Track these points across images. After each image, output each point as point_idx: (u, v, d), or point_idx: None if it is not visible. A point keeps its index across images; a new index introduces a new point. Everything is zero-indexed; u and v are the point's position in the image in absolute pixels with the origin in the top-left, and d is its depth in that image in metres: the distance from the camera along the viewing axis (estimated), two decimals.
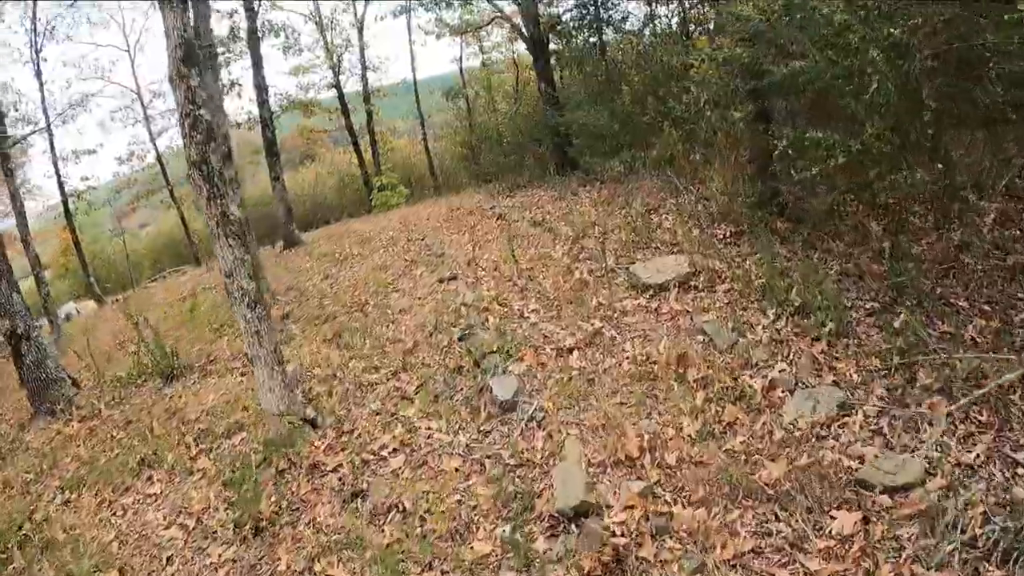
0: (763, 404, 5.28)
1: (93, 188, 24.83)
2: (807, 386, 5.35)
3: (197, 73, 6.16)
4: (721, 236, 8.63)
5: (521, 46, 22.29)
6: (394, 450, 6.07)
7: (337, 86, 25.39)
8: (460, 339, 7.62)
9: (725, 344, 6.08)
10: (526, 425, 5.79)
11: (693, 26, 14.75)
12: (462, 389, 6.70)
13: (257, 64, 18.02)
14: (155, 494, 6.47)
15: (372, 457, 6.09)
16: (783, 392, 5.33)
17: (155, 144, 27.16)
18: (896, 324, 5.58)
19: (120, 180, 27.53)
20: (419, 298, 9.54)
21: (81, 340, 16.62)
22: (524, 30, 15.92)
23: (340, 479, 5.91)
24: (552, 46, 16.42)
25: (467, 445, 5.82)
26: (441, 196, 22.48)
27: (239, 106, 26.86)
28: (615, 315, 7.32)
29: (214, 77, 12.68)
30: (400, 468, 5.81)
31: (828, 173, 6.12)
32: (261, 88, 18.06)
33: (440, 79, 27.80)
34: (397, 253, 12.74)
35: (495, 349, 7.03)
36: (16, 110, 22.77)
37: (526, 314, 7.92)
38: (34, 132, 22.83)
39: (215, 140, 6.28)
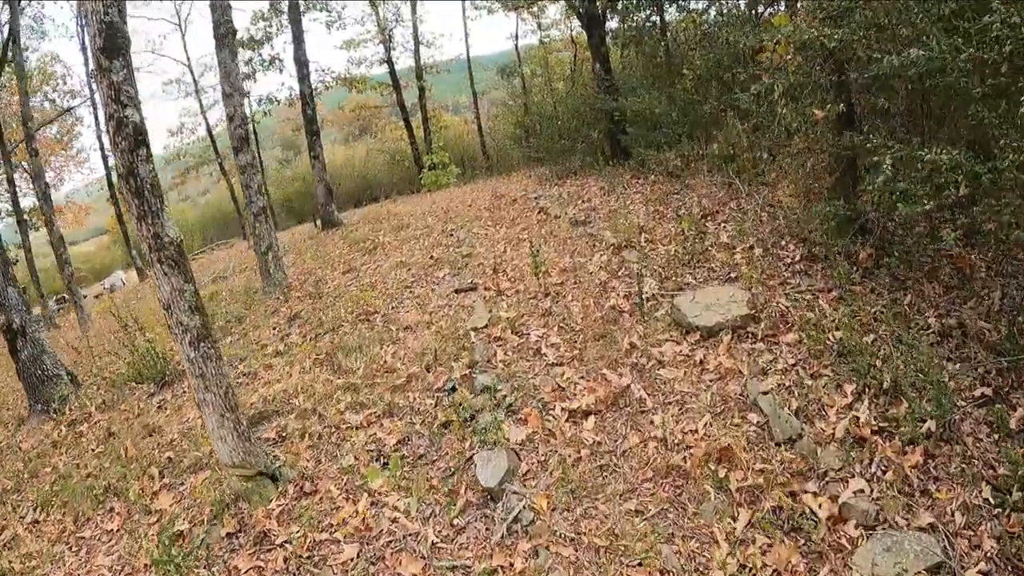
0: (826, 544, 3.72)
1: None
2: (892, 526, 3.72)
3: (123, 65, 4.79)
4: (789, 260, 6.97)
5: (578, 23, 20.73)
6: (351, 533, 4.73)
7: (388, 61, 24.04)
8: (450, 391, 6.16)
9: (785, 435, 4.47)
10: (508, 529, 4.33)
11: (763, 7, 12.86)
12: (446, 454, 5.29)
13: (298, 39, 16.78)
14: (112, 531, 5.81)
15: (326, 538, 4.80)
16: (857, 529, 3.73)
17: (205, 117, 26.33)
18: (1012, 423, 3.95)
19: (170, 152, 26.75)
20: (429, 312, 8.15)
21: (100, 325, 15.90)
22: (578, 4, 14.22)
23: (286, 560, 4.67)
24: (610, 24, 14.71)
25: (433, 543, 4.42)
26: (492, 177, 21.11)
27: (280, 81, 25.50)
28: (649, 365, 5.79)
29: (231, 56, 11.40)
30: (352, 562, 4.48)
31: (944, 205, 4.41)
32: (301, 63, 16.83)
33: (495, 58, 26.27)
34: (426, 248, 11.36)
35: (495, 402, 5.61)
36: (64, 83, 22.25)
37: (543, 349, 6.44)
38: (73, 108, 22.12)
39: (146, 146, 4.89)
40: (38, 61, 21.98)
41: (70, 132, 24.92)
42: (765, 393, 4.90)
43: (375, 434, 5.85)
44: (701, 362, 5.63)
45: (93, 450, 7.37)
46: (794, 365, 5.27)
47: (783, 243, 7.40)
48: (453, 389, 6.12)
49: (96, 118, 22.89)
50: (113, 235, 33.59)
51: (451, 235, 11.75)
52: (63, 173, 26.97)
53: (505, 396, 5.67)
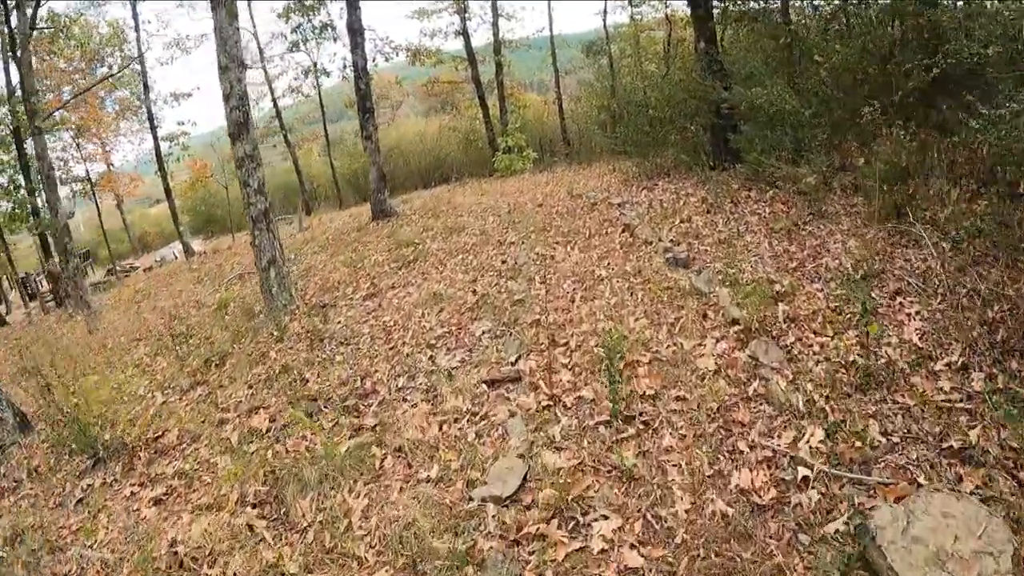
0: None
1: (186, 133, 22.05)
2: None
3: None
4: None
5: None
6: None
7: (464, 33, 21.17)
8: None
9: None
10: None
11: None
12: None
13: (352, 3, 14.09)
14: None
15: None
16: None
17: (271, 87, 24.03)
18: None
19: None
20: (440, 421, 5.32)
21: (113, 318, 13.73)
22: None
23: None
24: None
25: None
26: (572, 165, 18.20)
27: (332, 52, 23.07)
28: None
29: (229, 18, 8.79)
30: None
31: None
32: (355, 31, 14.18)
33: (582, 35, 23.17)
34: (473, 270, 8.65)
35: None
36: (122, 51, 20.26)
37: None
38: (116, 74, 20.00)
39: None
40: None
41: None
42: None
43: None
44: None
45: None
46: None
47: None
48: None
49: (145, 86, 20.79)
50: (187, 197, 32.00)
51: (507, 253, 9.01)
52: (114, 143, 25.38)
53: None
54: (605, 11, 21.38)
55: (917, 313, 5.19)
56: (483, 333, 6.50)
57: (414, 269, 9.43)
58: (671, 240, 7.86)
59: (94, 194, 25.80)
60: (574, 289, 6.97)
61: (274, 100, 24.09)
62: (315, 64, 23.60)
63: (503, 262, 8.59)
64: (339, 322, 8.15)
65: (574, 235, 9.10)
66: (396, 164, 24.99)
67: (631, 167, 12.97)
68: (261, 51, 23.89)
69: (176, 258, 20.74)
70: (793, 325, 5.43)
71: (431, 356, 6.40)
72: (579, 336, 5.94)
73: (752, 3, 11.63)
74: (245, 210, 9.04)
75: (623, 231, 8.67)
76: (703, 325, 5.66)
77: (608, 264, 7.50)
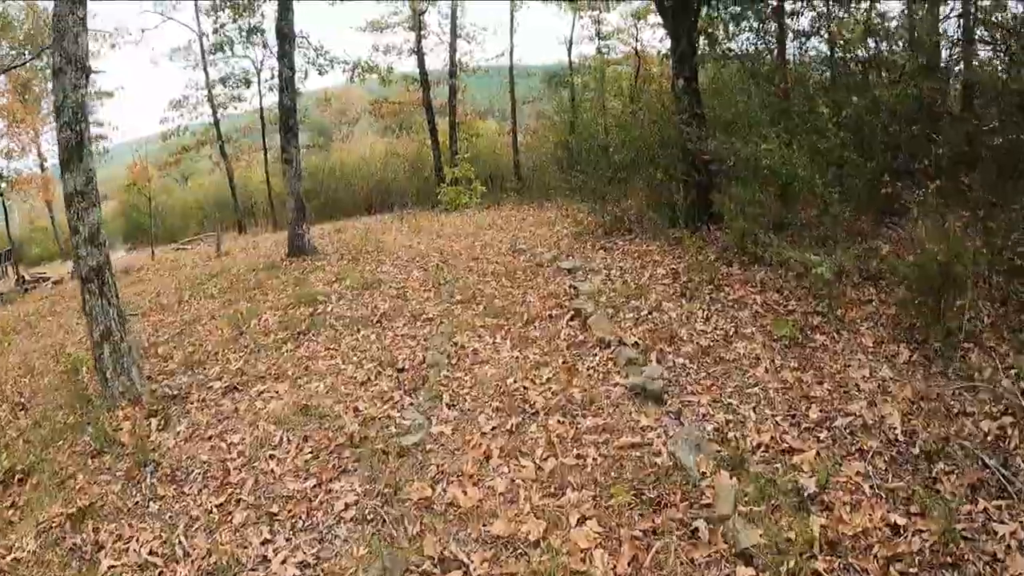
0: None
1: (103, 137, 19.19)
2: None
3: None
4: None
5: (647, 33, 15.36)
6: None
7: (418, 51, 18.76)
8: None
9: None
10: None
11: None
12: None
13: (284, 4, 11.60)
14: None
15: None
16: None
17: (210, 92, 21.24)
18: None
19: (168, 128, 21.72)
20: None
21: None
22: None
23: None
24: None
25: None
26: (523, 204, 15.88)
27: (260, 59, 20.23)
28: None
29: (71, 5, 6.23)
30: None
31: None
32: (285, 36, 11.68)
33: (547, 68, 20.93)
34: (368, 364, 6.15)
35: None
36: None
37: None
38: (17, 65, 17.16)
39: None
40: None
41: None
42: None
43: None
44: None
45: None
46: None
47: None
48: None
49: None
50: (122, 203, 28.96)
51: (419, 337, 6.58)
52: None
53: None
54: (571, 41, 19.25)
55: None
56: (346, 509, 4.01)
57: (301, 347, 6.93)
58: (635, 342, 5.51)
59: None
60: (493, 431, 4.54)
61: (212, 106, 21.31)
62: (259, 72, 20.95)
63: (413, 350, 6.14)
64: (179, 433, 5.59)
65: (509, 315, 6.71)
66: (338, 187, 22.42)
67: (587, 217, 10.68)
68: (204, 53, 21.10)
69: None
70: (831, 548, 3.12)
71: (265, 541, 3.89)
72: (489, 545, 3.50)
73: (742, 36, 9.50)
74: (74, 264, 6.43)
75: (572, 317, 6.30)
76: (692, 558, 3.24)
77: (548, 382, 5.09)
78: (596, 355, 5.43)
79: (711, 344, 5.39)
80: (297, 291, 9.06)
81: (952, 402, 4.40)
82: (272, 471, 4.69)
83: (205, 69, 21.03)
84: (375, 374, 5.87)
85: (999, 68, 7.68)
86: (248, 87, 20.68)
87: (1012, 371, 4.72)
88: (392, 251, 11.14)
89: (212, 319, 8.72)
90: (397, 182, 21.89)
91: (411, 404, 5.17)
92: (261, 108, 21.44)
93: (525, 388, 5.03)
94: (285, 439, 5.08)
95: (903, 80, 6.67)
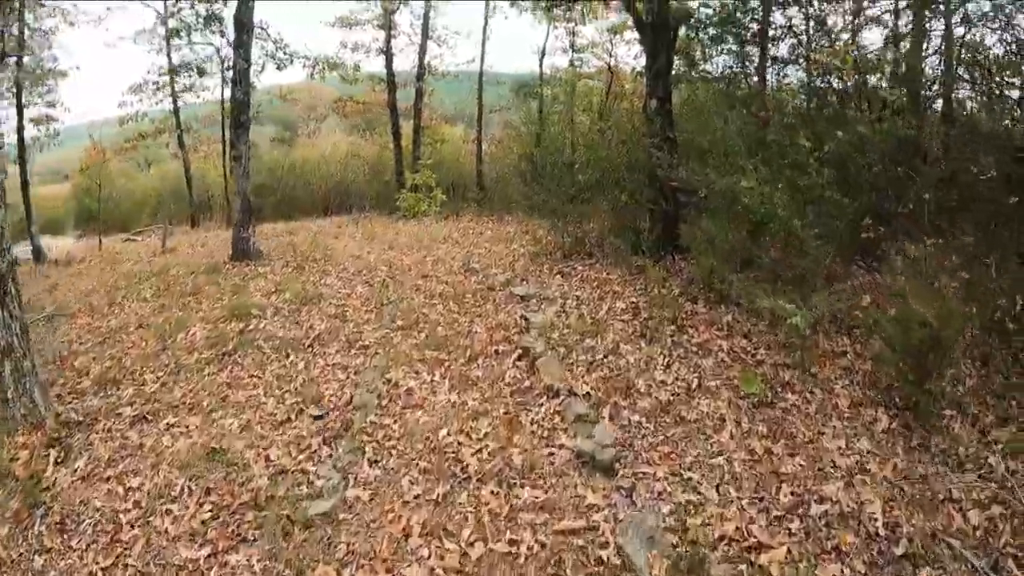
0: None
1: (53, 119, 17.95)
2: None
3: None
4: None
5: (622, 49, 14.75)
6: None
7: (387, 51, 17.95)
8: None
9: None
10: None
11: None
12: None
13: None
14: None
15: None
16: None
17: (172, 78, 20.13)
18: None
19: (127, 112, 20.46)
20: None
21: None
22: (642, 5, 8.23)
23: None
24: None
25: None
26: (482, 214, 15.17)
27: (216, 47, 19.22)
28: None
29: None
30: None
31: None
32: (243, 26, 10.83)
33: (518, 77, 20.21)
34: (289, 398, 5.46)
35: None
36: None
37: None
38: None
39: None
40: None
41: None
42: None
43: None
44: None
45: None
46: None
47: None
48: None
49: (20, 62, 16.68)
50: (75, 186, 27.60)
51: (351, 368, 5.90)
52: None
53: None
54: (543, 51, 18.60)
55: None
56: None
57: (224, 370, 6.17)
58: (587, 392, 4.87)
59: None
60: (417, 499, 3.85)
61: (173, 93, 20.15)
62: (222, 61, 19.88)
63: (335, 396, 5.41)
64: (77, 470, 4.81)
65: (452, 348, 6.03)
66: (297, 185, 21.44)
67: (546, 235, 10.05)
68: (168, 37, 19.93)
69: (19, 263, 16.60)
70: None
71: None
72: None
73: (720, 59, 8.96)
74: None
75: (520, 356, 5.64)
76: None
77: (486, 438, 4.42)
78: (543, 405, 4.78)
79: (671, 399, 4.78)
80: (233, 301, 8.28)
81: (937, 486, 3.85)
82: (166, 531, 3.97)
83: (169, 55, 19.92)
84: (296, 412, 5.14)
85: (976, 108, 7.29)
86: (202, 76, 19.56)
87: (997, 445, 4.23)
88: (340, 260, 10.37)
89: (140, 327, 7.91)
90: (357, 184, 20.98)
91: (329, 456, 4.46)
92: (223, 99, 20.36)
93: (459, 444, 4.35)
94: (187, 489, 4.36)
95: (889, 115, 6.16)
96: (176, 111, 20.98)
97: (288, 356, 6.27)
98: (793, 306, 5.04)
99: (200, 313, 8.09)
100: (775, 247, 6.08)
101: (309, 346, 6.49)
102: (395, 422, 4.76)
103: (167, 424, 5.33)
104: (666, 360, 5.37)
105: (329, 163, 21.87)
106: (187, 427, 5.23)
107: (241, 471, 4.43)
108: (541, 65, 18.53)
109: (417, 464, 4.19)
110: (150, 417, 5.51)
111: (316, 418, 4.71)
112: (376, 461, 4.30)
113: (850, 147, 6.16)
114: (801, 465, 4.02)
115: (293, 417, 5.08)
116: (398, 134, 18.34)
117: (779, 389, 4.86)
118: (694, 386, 4.96)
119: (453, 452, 4.27)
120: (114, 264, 13.92)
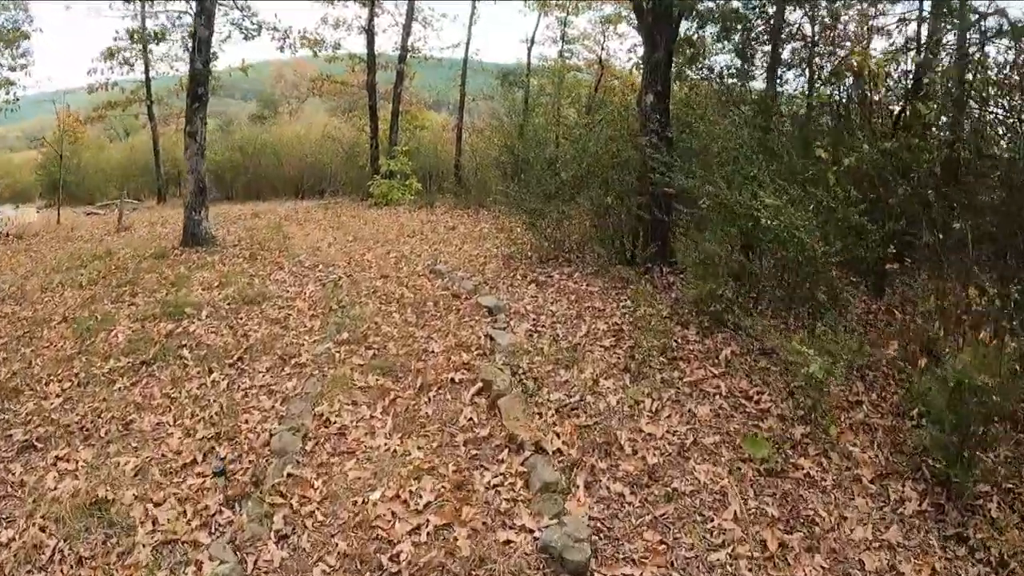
0: None
1: (11, 83, 16.68)
2: None
3: None
4: None
5: (614, 43, 13.79)
6: None
7: (369, 29, 16.78)
8: None
9: None
10: None
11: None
12: None
13: None
14: None
15: None
16: None
17: (145, 46, 18.82)
18: None
19: (96, 80, 19.05)
20: None
21: None
22: None
23: None
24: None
25: None
26: (458, 207, 14.16)
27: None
28: None
29: None
30: None
31: None
32: None
33: (505, 67, 19.17)
34: (205, 430, 4.47)
35: None
36: None
37: None
38: None
39: None
40: None
41: None
42: None
43: None
44: None
45: None
46: None
47: None
48: None
49: None
50: (43, 155, 26.05)
51: (278, 396, 4.90)
52: None
53: None
54: (532, 40, 17.55)
55: None
56: None
57: (136, 385, 5.14)
58: (559, 447, 3.90)
59: None
60: None
61: (146, 61, 18.85)
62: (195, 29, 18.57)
63: (252, 433, 4.38)
64: None
65: (401, 373, 5.05)
66: (269, 164, 20.24)
67: (521, 234, 9.08)
68: (143, 3, 18.54)
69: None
70: None
71: None
72: None
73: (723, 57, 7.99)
74: None
75: (481, 391, 4.65)
76: None
77: (428, 509, 3.42)
78: (502, 463, 3.80)
79: (661, 461, 3.83)
80: (170, 295, 7.24)
81: None
82: None
83: (143, 21, 18.57)
84: (204, 453, 4.12)
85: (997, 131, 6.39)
86: (158, 43, 18.23)
87: None
88: (297, 252, 9.34)
89: (63, 321, 6.84)
90: (332, 167, 19.83)
91: (229, 523, 3.44)
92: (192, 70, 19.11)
93: (393, 515, 3.36)
94: (58, 554, 3.34)
95: (927, 133, 5.25)
96: (148, 81, 19.73)
97: (211, 372, 5.24)
98: (813, 351, 4.10)
99: (131, 308, 7.06)
100: (788, 273, 5.16)
101: (238, 359, 5.46)
102: (318, 477, 3.76)
103: (55, 457, 4.30)
104: (655, 404, 4.42)
105: (303, 143, 20.67)
106: (77, 463, 4.21)
107: (123, 536, 3.43)
108: (529, 54, 17.54)
109: (336, 544, 3.20)
110: (40, 445, 4.48)
111: (216, 474, 3.70)
112: (285, 537, 3.30)
113: (872, 164, 5.23)
114: (823, 567, 3.10)
115: (199, 459, 4.06)
116: (375, 117, 17.22)
117: (789, 452, 3.94)
118: (688, 442, 4.01)
119: (384, 528, 3.28)
120: (65, 242, 12.78)
